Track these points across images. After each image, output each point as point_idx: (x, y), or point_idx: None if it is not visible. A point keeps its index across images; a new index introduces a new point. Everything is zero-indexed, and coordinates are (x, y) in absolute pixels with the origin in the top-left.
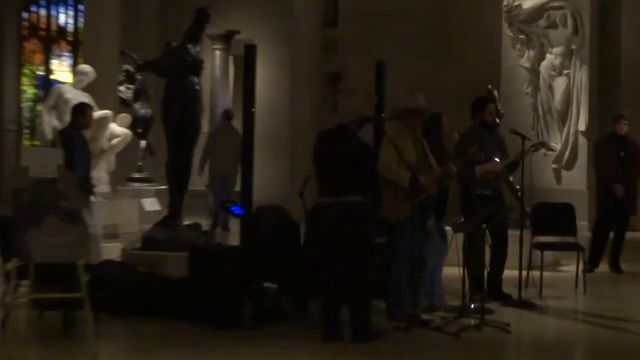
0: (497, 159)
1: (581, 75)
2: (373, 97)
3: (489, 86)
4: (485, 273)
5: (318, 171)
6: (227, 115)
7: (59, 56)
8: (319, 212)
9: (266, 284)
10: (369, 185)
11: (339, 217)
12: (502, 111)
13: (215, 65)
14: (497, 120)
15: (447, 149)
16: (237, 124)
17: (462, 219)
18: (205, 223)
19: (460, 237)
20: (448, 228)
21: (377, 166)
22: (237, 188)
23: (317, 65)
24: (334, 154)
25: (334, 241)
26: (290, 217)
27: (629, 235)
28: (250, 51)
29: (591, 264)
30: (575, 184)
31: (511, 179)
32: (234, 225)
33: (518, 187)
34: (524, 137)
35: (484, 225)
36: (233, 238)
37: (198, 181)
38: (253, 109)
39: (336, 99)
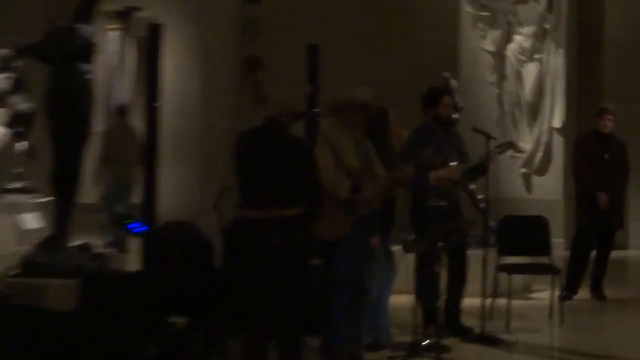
0: (454, 163)
1: (556, 61)
2: (305, 87)
3: (445, 74)
4: (442, 302)
5: (239, 178)
6: (121, 111)
7: None
8: (238, 229)
9: (173, 318)
10: (306, 195)
11: (265, 236)
12: (461, 104)
13: (111, 49)
14: (455, 115)
15: (395, 151)
16: (138, 120)
17: (413, 237)
18: (98, 243)
19: (411, 258)
20: (396, 247)
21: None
22: (137, 199)
23: (235, 49)
24: (259, 156)
25: (258, 265)
26: (202, 235)
27: (614, 254)
28: (154, 32)
29: (569, 290)
30: (549, 192)
31: (472, 187)
32: (134, 245)
33: (481, 197)
34: (488, 136)
35: (440, 244)
36: (132, 261)
37: (90, 192)
38: (157, 103)
39: (257, 91)
